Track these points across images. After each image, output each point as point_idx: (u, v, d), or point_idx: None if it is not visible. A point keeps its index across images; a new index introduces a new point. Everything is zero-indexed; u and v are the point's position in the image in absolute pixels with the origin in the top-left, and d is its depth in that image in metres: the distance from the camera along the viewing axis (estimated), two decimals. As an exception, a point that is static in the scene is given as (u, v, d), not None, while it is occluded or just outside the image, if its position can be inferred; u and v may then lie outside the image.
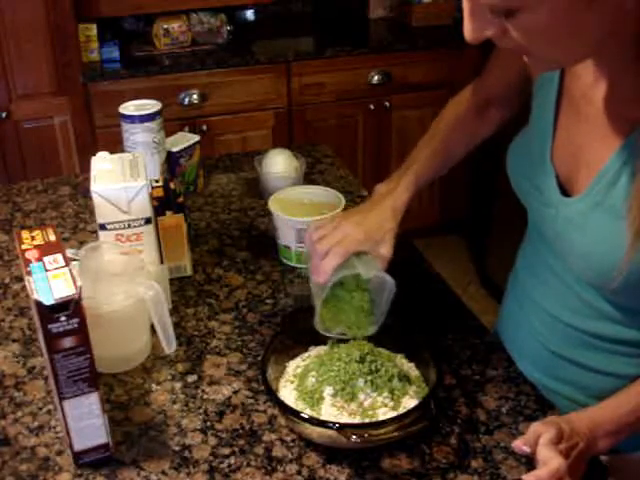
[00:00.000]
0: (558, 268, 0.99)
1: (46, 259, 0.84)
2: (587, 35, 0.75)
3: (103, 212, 1.08)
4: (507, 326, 1.15)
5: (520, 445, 0.86)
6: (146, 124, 1.39)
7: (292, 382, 0.96)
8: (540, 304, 1.04)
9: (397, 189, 1.10)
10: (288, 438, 0.93)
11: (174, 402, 0.99)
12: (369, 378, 0.92)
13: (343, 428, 0.85)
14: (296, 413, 0.88)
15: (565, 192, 0.94)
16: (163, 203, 1.17)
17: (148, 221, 1.10)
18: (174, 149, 1.48)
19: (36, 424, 0.96)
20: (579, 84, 0.91)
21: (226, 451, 0.91)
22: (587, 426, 0.87)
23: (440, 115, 1.21)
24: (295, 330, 1.03)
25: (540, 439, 0.84)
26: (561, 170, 0.95)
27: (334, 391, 0.92)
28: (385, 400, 0.91)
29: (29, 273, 0.82)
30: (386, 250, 1.04)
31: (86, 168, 1.15)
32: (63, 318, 0.78)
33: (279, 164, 1.47)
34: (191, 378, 1.03)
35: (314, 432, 0.88)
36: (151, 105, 1.41)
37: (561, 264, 0.97)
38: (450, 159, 1.20)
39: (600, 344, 0.97)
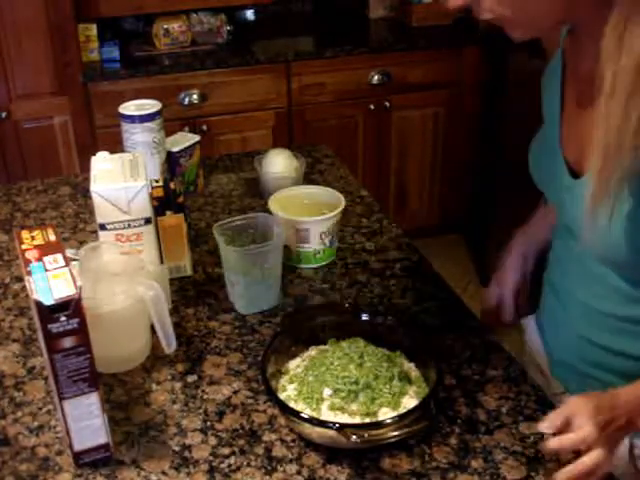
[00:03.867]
0: (582, 255, 0.99)
1: (46, 259, 0.84)
2: None
3: (103, 212, 1.08)
4: (543, 317, 1.17)
5: (547, 426, 0.85)
6: (146, 124, 1.39)
7: (292, 382, 0.96)
8: (570, 292, 1.04)
9: None
10: (288, 438, 0.93)
11: (174, 402, 0.99)
12: (369, 378, 0.92)
13: (343, 428, 0.85)
14: (296, 413, 0.88)
15: (578, 176, 0.95)
16: (163, 203, 1.17)
17: (148, 221, 1.10)
18: (174, 149, 1.48)
19: (36, 424, 0.96)
20: (583, 67, 0.92)
21: (226, 451, 0.91)
22: (629, 401, 0.87)
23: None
24: (295, 330, 1.03)
25: (577, 409, 0.84)
26: (570, 154, 0.96)
27: (334, 391, 0.92)
28: (385, 400, 0.91)
29: (29, 273, 0.82)
30: None
31: (86, 168, 1.15)
32: (63, 318, 0.78)
33: (279, 164, 1.47)
34: (191, 378, 1.03)
35: (314, 432, 0.88)
36: (151, 105, 1.41)
37: (584, 250, 0.98)
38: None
39: (629, 327, 0.97)
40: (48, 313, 0.78)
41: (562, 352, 1.09)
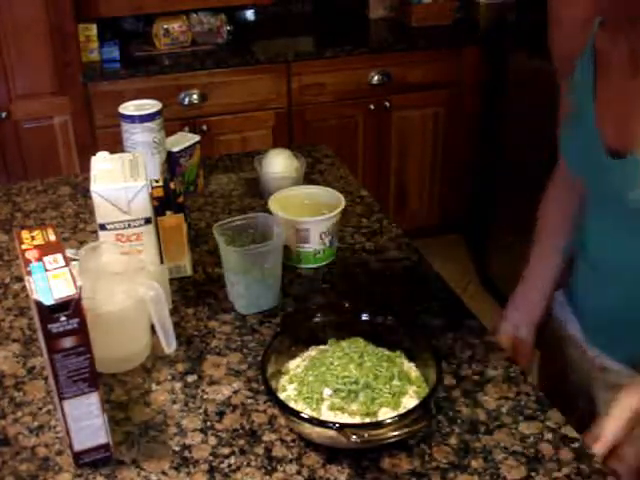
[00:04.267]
0: (623, 220, 1.02)
1: (46, 259, 0.84)
2: None
3: (103, 212, 1.08)
4: (575, 288, 1.18)
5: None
6: (146, 124, 1.39)
7: (292, 382, 0.96)
8: (606, 258, 1.07)
9: None
10: (288, 438, 0.93)
11: (174, 402, 0.99)
12: (369, 378, 0.92)
13: (343, 428, 0.85)
14: (296, 413, 0.88)
15: (617, 155, 0.98)
16: (163, 203, 1.17)
17: (148, 221, 1.10)
18: (174, 149, 1.48)
19: (36, 424, 0.96)
20: (617, 57, 0.97)
21: (226, 451, 0.91)
22: None
23: (543, 207, 1.26)
24: (295, 330, 1.03)
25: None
26: (608, 136, 0.99)
27: (334, 391, 0.92)
28: (385, 400, 0.91)
29: (29, 273, 0.82)
30: None
31: (86, 168, 1.15)
32: (63, 318, 0.78)
33: (279, 164, 1.47)
34: (191, 378, 1.03)
35: (314, 432, 0.88)
36: (151, 105, 1.41)
37: (629, 223, 1.00)
38: (559, 251, 1.22)
39: None
40: (48, 313, 0.78)
41: (599, 318, 1.10)
